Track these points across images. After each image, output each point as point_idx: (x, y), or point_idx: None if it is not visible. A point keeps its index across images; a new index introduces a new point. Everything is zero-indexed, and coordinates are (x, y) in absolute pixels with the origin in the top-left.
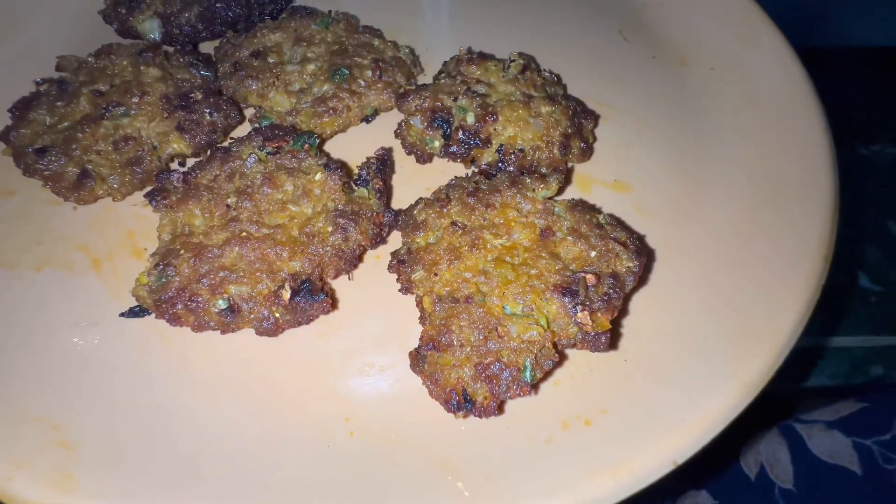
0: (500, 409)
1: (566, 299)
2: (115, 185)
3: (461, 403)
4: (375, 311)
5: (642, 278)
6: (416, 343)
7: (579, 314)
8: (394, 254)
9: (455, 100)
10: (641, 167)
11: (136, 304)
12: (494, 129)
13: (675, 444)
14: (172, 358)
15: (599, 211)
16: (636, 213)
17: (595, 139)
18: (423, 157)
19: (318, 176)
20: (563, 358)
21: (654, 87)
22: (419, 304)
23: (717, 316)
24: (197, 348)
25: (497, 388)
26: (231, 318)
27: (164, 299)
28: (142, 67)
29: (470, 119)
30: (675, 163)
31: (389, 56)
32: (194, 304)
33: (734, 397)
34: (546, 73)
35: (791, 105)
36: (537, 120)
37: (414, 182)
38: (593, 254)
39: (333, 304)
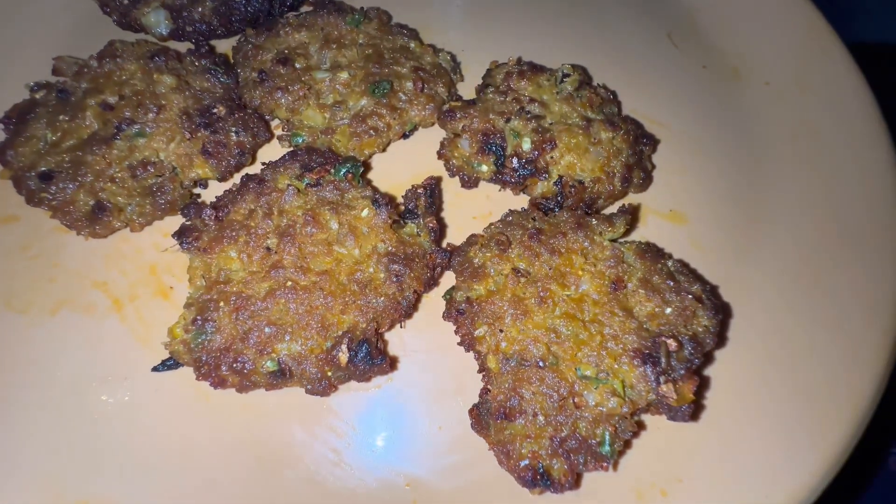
0: (576, 483)
1: (647, 368)
2: (133, 216)
3: (537, 480)
4: (429, 360)
5: (720, 337)
6: (474, 396)
7: (662, 386)
8: (450, 301)
9: (507, 121)
10: (696, 196)
11: (169, 355)
12: (551, 157)
13: None
14: (212, 416)
15: (668, 255)
16: (692, 248)
17: (654, 167)
18: (470, 182)
19: (366, 213)
20: (639, 426)
21: (706, 102)
22: (482, 360)
23: (791, 374)
24: (239, 405)
25: (575, 462)
26: (281, 381)
27: (206, 360)
28: (154, 75)
29: (526, 145)
30: (731, 192)
31: (428, 63)
32: (240, 366)
33: (816, 472)
34: (601, 90)
35: (856, 133)
36: (597, 148)
37: (459, 207)
38: (668, 310)
39: (392, 365)
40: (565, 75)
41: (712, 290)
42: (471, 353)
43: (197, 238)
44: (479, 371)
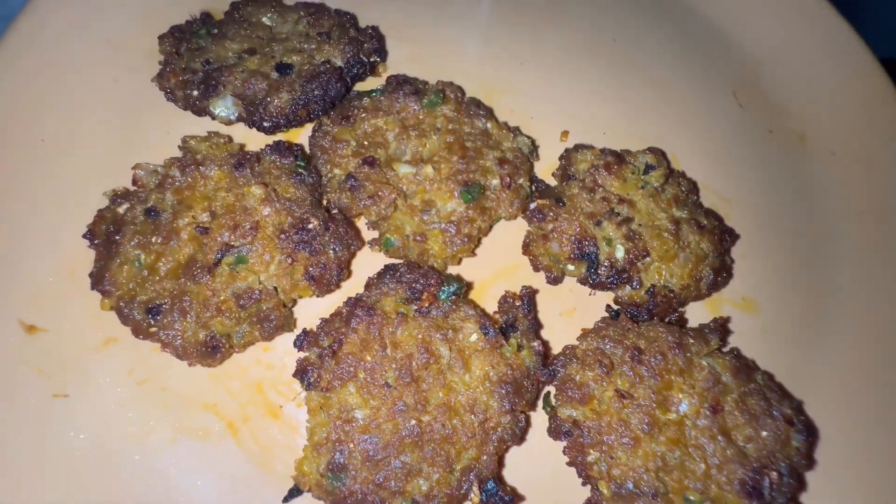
0: None
1: (753, 501)
2: (240, 342)
3: None
4: (531, 470)
5: (809, 458)
6: (576, 498)
7: None
8: (552, 416)
9: (598, 223)
10: (766, 280)
11: (294, 483)
12: (643, 264)
13: None
14: None
15: (756, 368)
16: (763, 337)
17: (733, 262)
18: (556, 280)
19: (474, 337)
20: None
21: (771, 173)
22: (593, 483)
23: (866, 468)
24: None
25: None
26: None
27: (344, 502)
28: (243, 187)
29: (619, 254)
30: (799, 274)
31: (509, 149)
32: None
33: None
34: (683, 181)
35: None
36: (686, 252)
37: (544, 303)
38: (764, 433)
39: (518, 496)
40: (649, 167)
41: (799, 408)
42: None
43: (318, 378)
44: (583, 484)
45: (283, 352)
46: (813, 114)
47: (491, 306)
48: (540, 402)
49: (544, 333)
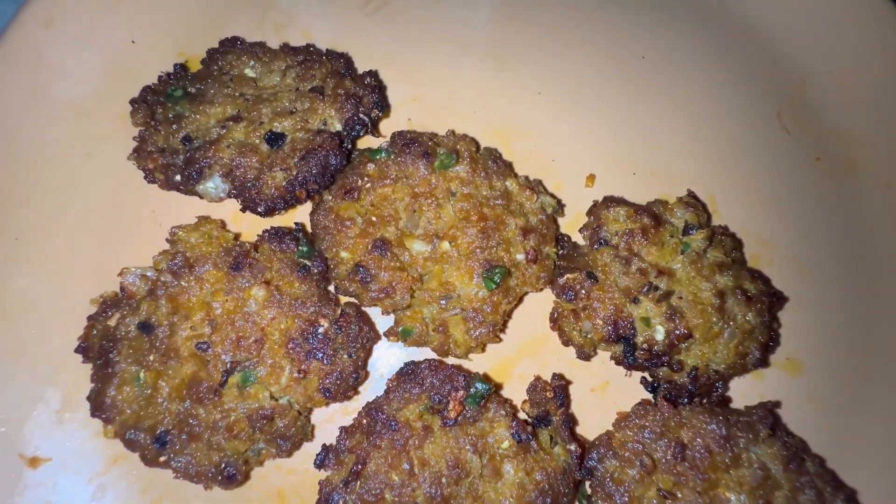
0: None
1: None
2: (257, 460)
3: None
4: None
5: None
6: None
7: None
8: None
9: (634, 300)
10: (814, 339)
11: None
12: (684, 344)
13: None
14: None
15: (808, 454)
16: (809, 404)
17: (780, 326)
18: (587, 356)
19: (506, 445)
20: None
21: (821, 210)
22: None
23: None
24: None
25: None
26: None
27: None
28: (243, 291)
29: (659, 336)
30: (850, 333)
31: (531, 212)
32: None
33: None
34: (725, 240)
35: None
36: (732, 329)
37: (574, 377)
38: None
39: None
40: (691, 228)
41: (852, 497)
42: None
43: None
44: None
45: (304, 456)
46: (867, 137)
47: (516, 385)
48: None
49: (576, 411)
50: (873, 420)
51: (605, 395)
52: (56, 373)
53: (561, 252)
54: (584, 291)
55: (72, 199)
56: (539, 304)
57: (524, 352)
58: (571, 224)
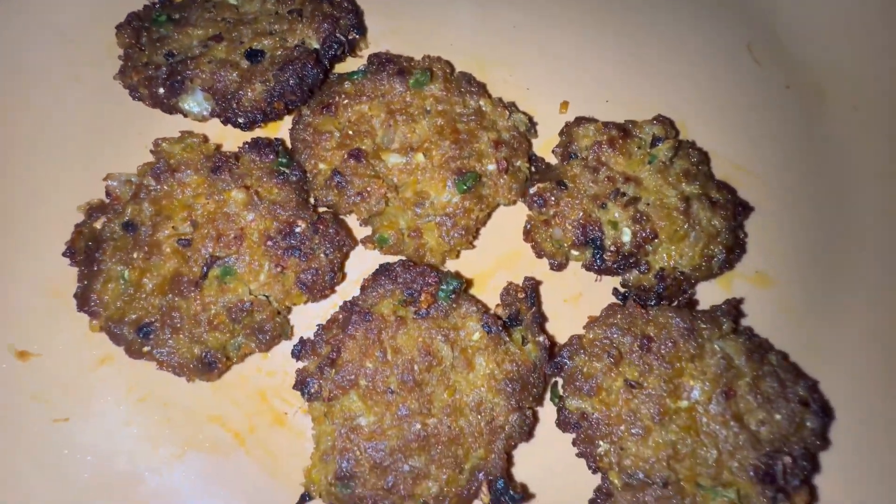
0: None
1: (766, 487)
2: (237, 354)
3: None
4: (542, 462)
5: (824, 439)
6: (585, 488)
7: (780, 503)
8: (561, 409)
9: (602, 206)
10: (782, 253)
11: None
12: (651, 246)
13: None
14: None
15: (770, 348)
16: (777, 313)
17: (746, 236)
18: (559, 266)
19: (477, 336)
20: None
21: (790, 135)
22: (604, 473)
23: (883, 463)
24: None
25: None
26: None
27: None
28: (223, 193)
29: (625, 237)
30: (819, 249)
31: (504, 129)
32: None
33: None
34: (694, 153)
35: None
36: (697, 231)
37: (548, 290)
38: (778, 416)
39: (528, 495)
40: (657, 139)
41: (814, 387)
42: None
43: (319, 389)
44: (593, 472)
45: (283, 358)
46: (835, 64)
47: (493, 298)
48: (548, 394)
49: (549, 321)
50: (842, 327)
51: (578, 305)
52: (48, 276)
53: (534, 170)
54: (553, 199)
55: (60, 119)
56: (512, 219)
57: (499, 266)
58: (545, 147)
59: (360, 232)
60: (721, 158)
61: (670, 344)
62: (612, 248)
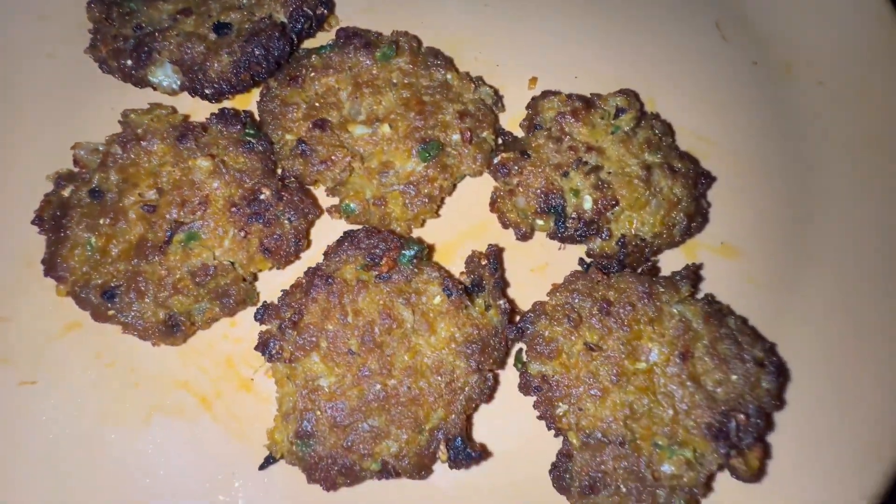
0: None
1: (719, 444)
2: (202, 319)
3: None
4: (503, 426)
5: (780, 399)
6: (548, 451)
7: (733, 459)
8: (523, 373)
9: (565, 174)
10: (748, 224)
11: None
12: (612, 213)
13: None
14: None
15: (730, 313)
16: (742, 283)
17: (709, 206)
18: (525, 235)
19: (437, 300)
20: (708, 487)
21: (757, 109)
22: (564, 435)
23: (845, 409)
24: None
25: None
26: (386, 477)
27: (317, 469)
28: (189, 160)
29: (587, 204)
30: (784, 221)
31: (470, 101)
32: (347, 471)
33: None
34: (657, 124)
35: None
36: (658, 199)
37: (514, 260)
38: (734, 377)
39: (485, 451)
40: (620, 110)
41: (771, 349)
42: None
43: (280, 350)
44: (555, 435)
45: (250, 326)
46: (800, 39)
47: (460, 268)
48: (512, 360)
49: (515, 291)
50: (804, 296)
51: (544, 275)
52: (18, 245)
53: (500, 142)
54: (516, 168)
55: (33, 94)
56: (480, 193)
57: (465, 237)
58: (513, 123)
59: (327, 203)
60: (688, 133)
61: (629, 307)
62: (574, 216)
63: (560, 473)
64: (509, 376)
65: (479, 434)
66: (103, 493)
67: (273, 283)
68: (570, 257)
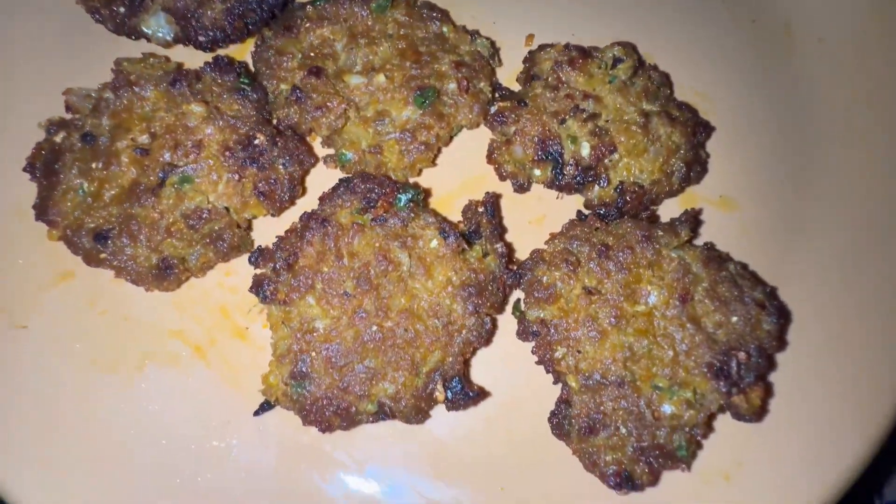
0: (656, 481)
1: (720, 382)
2: (196, 266)
3: (622, 482)
4: (502, 374)
5: (781, 341)
6: (547, 399)
7: (734, 398)
8: (521, 320)
9: (562, 122)
10: (747, 178)
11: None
12: (610, 161)
13: (811, 494)
14: (322, 445)
15: (729, 259)
16: (744, 237)
17: (708, 156)
18: (523, 186)
19: (434, 243)
20: (709, 426)
21: (756, 67)
22: (562, 379)
23: (843, 360)
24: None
25: (656, 466)
26: (383, 419)
27: (312, 410)
28: (181, 105)
29: (584, 151)
30: (783, 175)
31: (467, 53)
32: (343, 412)
33: (862, 453)
34: (654, 74)
35: None
36: (656, 146)
37: (513, 212)
38: (734, 319)
39: (483, 393)
40: (617, 60)
41: (772, 293)
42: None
43: (274, 291)
44: (554, 382)
45: (245, 275)
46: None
47: (457, 218)
48: (510, 310)
49: (514, 242)
50: (803, 247)
51: (542, 226)
52: (10, 193)
53: (496, 95)
54: (513, 117)
55: (26, 45)
56: (478, 144)
57: (463, 189)
58: (510, 79)
59: (323, 154)
60: (687, 89)
61: (628, 251)
62: (572, 163)
63: (559, 420)
64: (509, 328)
65: (479, 380)
66: (95, 439)
67: (268, 233)
68: (568, 209)
